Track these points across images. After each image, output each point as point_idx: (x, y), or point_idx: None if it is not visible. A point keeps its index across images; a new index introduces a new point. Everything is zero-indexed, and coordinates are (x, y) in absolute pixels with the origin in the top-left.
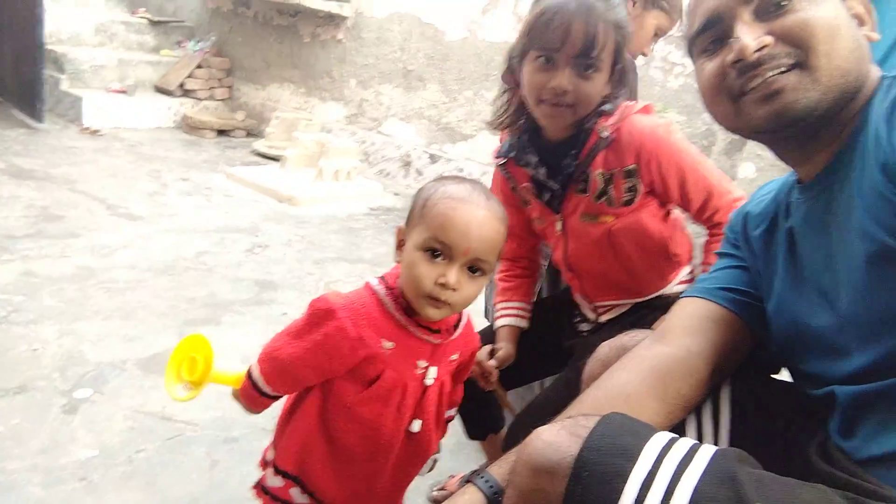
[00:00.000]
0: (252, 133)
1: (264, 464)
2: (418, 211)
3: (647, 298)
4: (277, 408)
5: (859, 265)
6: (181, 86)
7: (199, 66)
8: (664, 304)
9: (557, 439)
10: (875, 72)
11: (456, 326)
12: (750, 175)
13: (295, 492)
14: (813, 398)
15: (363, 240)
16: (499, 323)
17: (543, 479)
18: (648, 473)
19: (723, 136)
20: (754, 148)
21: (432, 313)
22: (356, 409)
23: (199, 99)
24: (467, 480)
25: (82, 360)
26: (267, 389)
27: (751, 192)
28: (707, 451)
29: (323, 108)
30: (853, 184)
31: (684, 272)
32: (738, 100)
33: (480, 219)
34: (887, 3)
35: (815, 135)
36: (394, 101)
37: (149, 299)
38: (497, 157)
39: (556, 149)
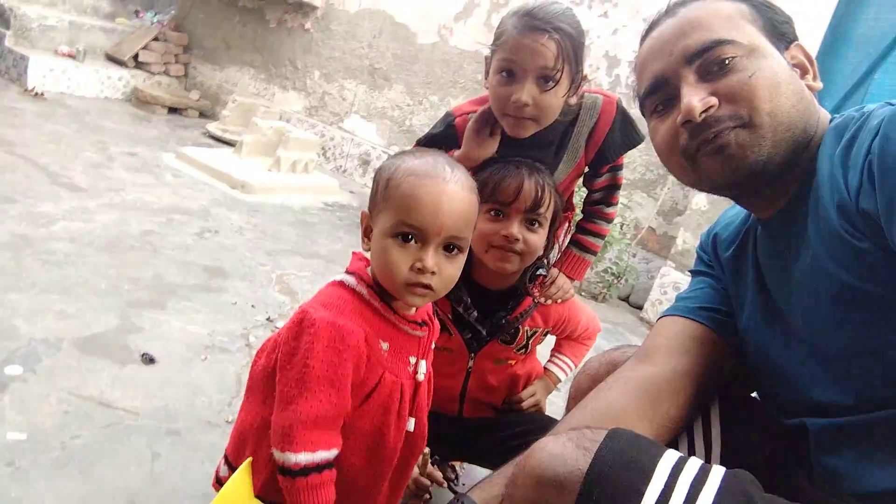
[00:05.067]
0: (205, 114)
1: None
2: (381, 193)
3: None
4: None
5: (823, 304)
6: (135, 57)
7: (155, 39)
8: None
9: (564, 451)
10: (823, 116)
11: (430, 316)
12: (703, 206)
13: None
14: (787, 426)
15: (318, 234)
16: None
17: (549, 493)
18: (663, 492)
19: None
20: None
21: (416, 300)
22: (357, 425)
23: (153, 73)
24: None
25: (14, 334)
26: (324, 455)
27: (702, 224)
28: (718, 471)
29: (283, 96)
30: (807, 225)
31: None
32: (693, 158)
33: (450, 193)
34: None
35: (771, 184)
36: (357, 98)
37: (89, 276)
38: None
39: (490, 297)
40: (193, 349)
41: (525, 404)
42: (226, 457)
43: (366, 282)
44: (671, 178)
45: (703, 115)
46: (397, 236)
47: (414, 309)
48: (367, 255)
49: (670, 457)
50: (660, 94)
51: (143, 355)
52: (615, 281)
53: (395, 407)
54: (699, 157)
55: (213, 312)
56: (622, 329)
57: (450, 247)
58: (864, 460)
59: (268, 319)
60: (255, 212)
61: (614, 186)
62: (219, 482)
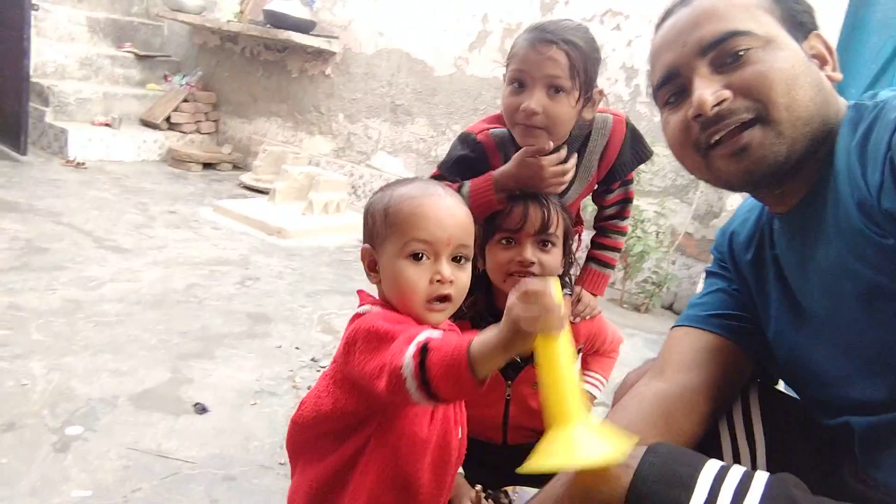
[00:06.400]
0: (239, 166)
1: None
2: (380, 224)
3: None
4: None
5: (852, 303)
6: (167, 119)
7: (185, 100)
8: None
9: (606, 471)
10: (842, 105)
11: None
12: (738, 205)
13: None
14: (829, 426)
15: (355, 272)
16: None
17: None
18: (706, 501)
19: None
20: None
21: (437, 317)
22: (428, 439)
23: (185, 132)
24: None
25: (72, 395)
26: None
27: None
28: (761, 477)
29: (311, 141)
30: (827, 219)
31: None
32: (706, 154)
33: (450, 205)
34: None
35: (790, 179)
36: (382, 135)
37: (139, 333)
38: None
39: None
40: (243, 395)
41: None
42: None
43: (380, 306)
44: (702, 183)
45: (716, 109)
46: (409, 257)
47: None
48: (375, 288)
49: (712, 467)
50: (672, 84)
51: (195, 405)
52: (657, 290)
53: (452, 415)
54: (713, 155)
55: (259, 358)
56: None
57: (458, 258)
58: None
59: (312, 360)
60: (292, 256)
61: (626, 200)
62: None
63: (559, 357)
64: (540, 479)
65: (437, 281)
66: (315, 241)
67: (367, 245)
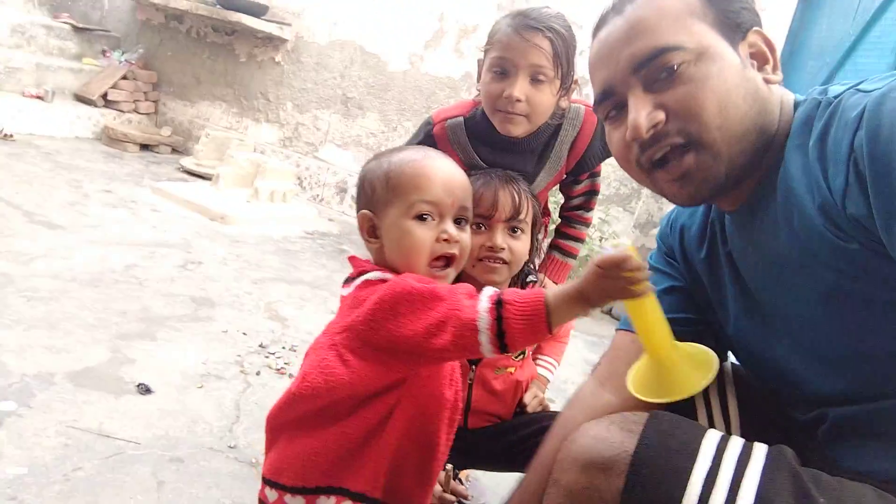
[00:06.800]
0: (178, 150)
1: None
2: (381, 190)
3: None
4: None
5: (811, 303)
6: (103, 96)
7: (123, 78)
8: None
9: (609, 435)
10: (787, 103)
11: None
12: None
13: None
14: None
15: (301, 262)
16: None
17: (596, 476)
18: (710, 470)
19: None
20: None
21: (445, 275)
22: (447, 396)
23: (123, 111)
24: None
25: (4, 370)
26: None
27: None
28: (761, 448)
29: (256, 129)
30: (777, 216)
31: None
32: (649, 173)
33: (451, 168)
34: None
35: (736, 187)
36: (331, 127)
37: (75, 310)
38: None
39: None
40: (189, 378)
41: (530, 408)
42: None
43: (389, 272)
44: (645, 191)
45: (652, 132)
46: (415, 218)
47: None
48: (370, 254)
49: (713, 436)
50: (610, 101)
51: (138, 385)
52: None
53: (458, 377)
54: (656, 177)
55: (204, 341)
56: (607, 342)
57: (459, 220)
58: (870, 446)
59: (260, 346)
60: (236, 242)
61: (593, 192)
62: None
63: (647, 309)
64: (493, 463)
65: (444, 240)
66: (260, 229)
67: (366, 211)
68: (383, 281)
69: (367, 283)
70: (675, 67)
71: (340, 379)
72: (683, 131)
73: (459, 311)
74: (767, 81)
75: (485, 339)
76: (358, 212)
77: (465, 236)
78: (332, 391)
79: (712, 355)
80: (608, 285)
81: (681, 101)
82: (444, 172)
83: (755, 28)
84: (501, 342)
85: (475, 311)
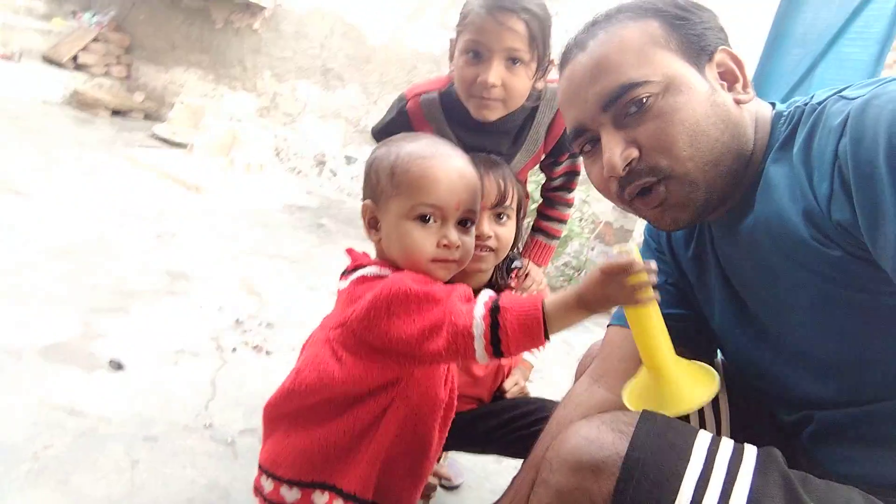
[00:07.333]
0: (151, 116)
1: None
2: (386, 182)
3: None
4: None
5: (798, 310)
6: (73, 59)
7: (95, 40)
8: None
9: (600, 436)
10: (762, 117)
11: None
12: None
13: None
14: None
15: (279, 235)
16: None
17: (586, 477)
18: (702, 472)
19: None
20: None
21: (443, 274)
22: (442, 397)
23: (94, 75)
24: None
25: None
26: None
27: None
28: (751, 450)
29: (233, 97)
30: (756, 223)
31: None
32: (630, 204)
33: (460, 169)
34: None
35: (719, 204)
36: (310, 98)
37: (44, 282)
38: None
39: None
40: (163, 354)
41: (510, 394)
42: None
43: (387, 267)
44: None
45: (627, 168)
46: (416, 219)
47: None
48: (374, 246)
49: (704, 438)
50: (584, 137)
51: (110, 361)
52: (576, 275)
53: (453, 376)
54: (637, 206)
55: (179, 316)
56: (587, 322)
57: (464, 221)
58: (856, 450)
59: (237, 322)
60: (212, 214)
61: (573, 173)
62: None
63: (651, 318)
64: (472, 446)
65: (444, 246)
66: (236, 200)
67: (368, 201)
68: (380, 277)
69: (364, 278)
70: (644, 101)
71: (334, 376)
72: (655, 169)
73: (455, 317)
74: (738, 102)
75: (479, 346)
76: (363, 199)
77: (468, 239)
78: (325, 388)
79: (713, 372)
80: (612, 291)
81: (651, 137)
82: (451, 174)
83: (721, 47)
84: (496, 349)
85: (470, 317)
